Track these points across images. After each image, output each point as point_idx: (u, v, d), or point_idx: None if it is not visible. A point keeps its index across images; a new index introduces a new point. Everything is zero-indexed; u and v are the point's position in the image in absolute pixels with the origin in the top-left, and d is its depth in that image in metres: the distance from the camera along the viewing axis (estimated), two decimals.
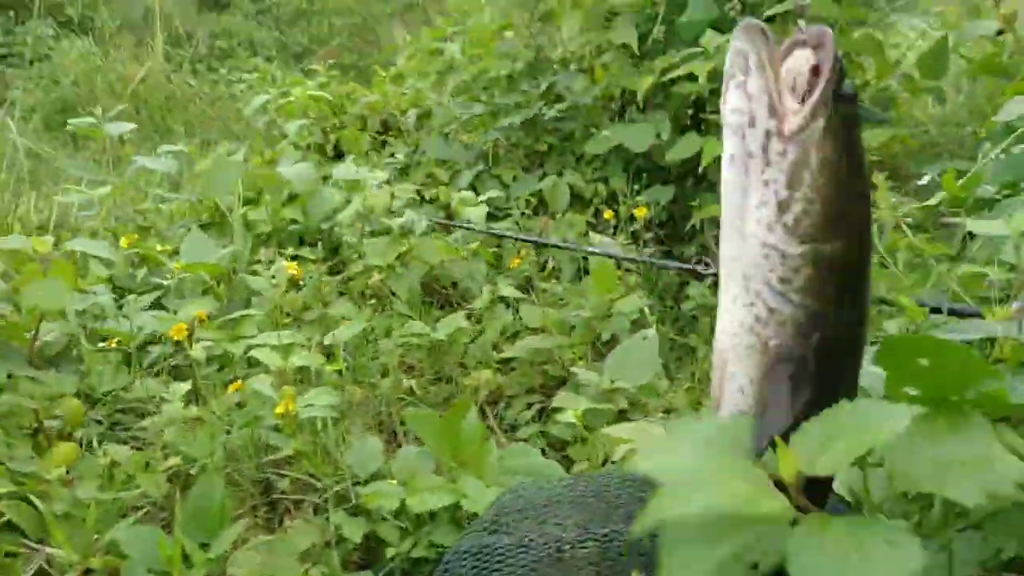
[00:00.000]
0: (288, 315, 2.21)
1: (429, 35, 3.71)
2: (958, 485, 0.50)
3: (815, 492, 0.56)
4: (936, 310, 1.21)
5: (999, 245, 1.31)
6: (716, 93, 2.72)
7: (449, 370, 2.13)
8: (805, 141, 0.68)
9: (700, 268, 1.46)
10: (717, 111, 2.83)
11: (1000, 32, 2.47)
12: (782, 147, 0.69)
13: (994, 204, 1.61)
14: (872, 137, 2.53)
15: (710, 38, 2.66)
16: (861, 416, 0.50)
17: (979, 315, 1.13)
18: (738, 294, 0.73)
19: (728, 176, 0.74)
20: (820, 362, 0.70)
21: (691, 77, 2.71)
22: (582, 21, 3.01)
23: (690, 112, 3.06)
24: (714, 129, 2.84)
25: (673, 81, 2.80)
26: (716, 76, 2.71)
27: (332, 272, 2.58)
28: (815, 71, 0.69)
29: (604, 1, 3.04)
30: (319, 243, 2.56)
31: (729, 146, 0.74)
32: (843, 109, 0.69)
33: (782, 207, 0.69)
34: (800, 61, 0.71)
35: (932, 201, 1.44)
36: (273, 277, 2.08)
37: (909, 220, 1.51)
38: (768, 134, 0.70)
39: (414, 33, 4.28)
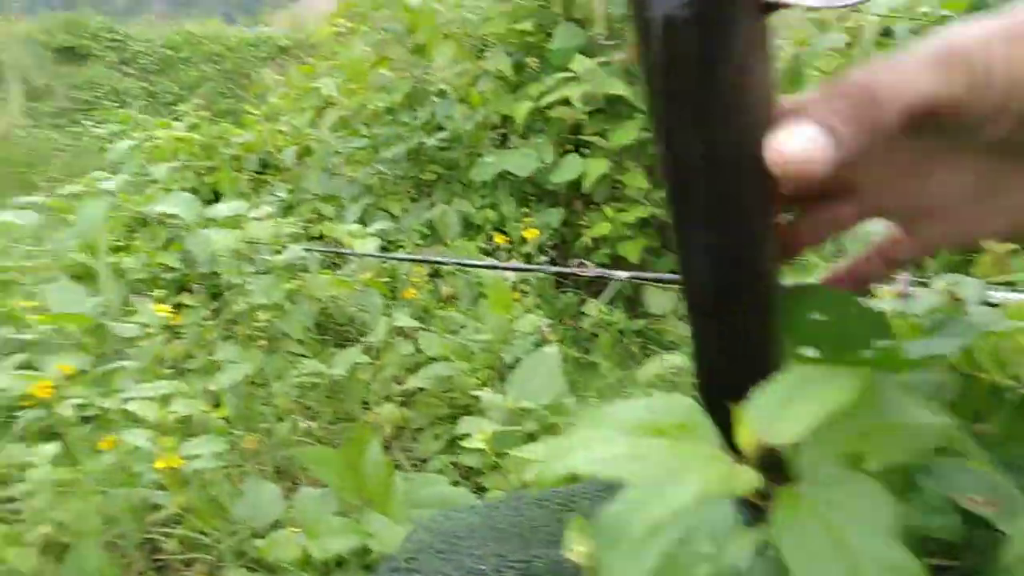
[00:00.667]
0: (169, 365, 2.07)
1: (301, 72, 3.64)
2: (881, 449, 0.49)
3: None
4: None
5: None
6: (591, 115, 2.78)
7: (350, 408, 2.05)
8: None
9: (579, 271, 1.46)
10: (596, 133, 2.88)
11: (849, 44, 2.65)
12: None
13: None
14: None
15: (580, 63, 2.73)
16: (813, 380, 0.48)
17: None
18: None
19: None
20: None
21: (566, 101, 2.77)
22: (455, 52, 3.03)
23: (570, 135, 3.13)
24: (595, 151, 2.90)
25: (550, 106, 2.85)
26: (589, 99, 2.78)
27: (216, 316, 2.45)
28: None
29: (475, 32, 3.07)
30: (200, 287, 2.43)
31: None
32: None
33: None
34: None
35: None
36: (147, 326, 1.95)
37: None
38: None
39: (285, 75, 4.20)
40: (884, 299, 1.11)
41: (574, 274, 1.47)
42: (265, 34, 8.37)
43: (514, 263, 2.30)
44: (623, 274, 1.42)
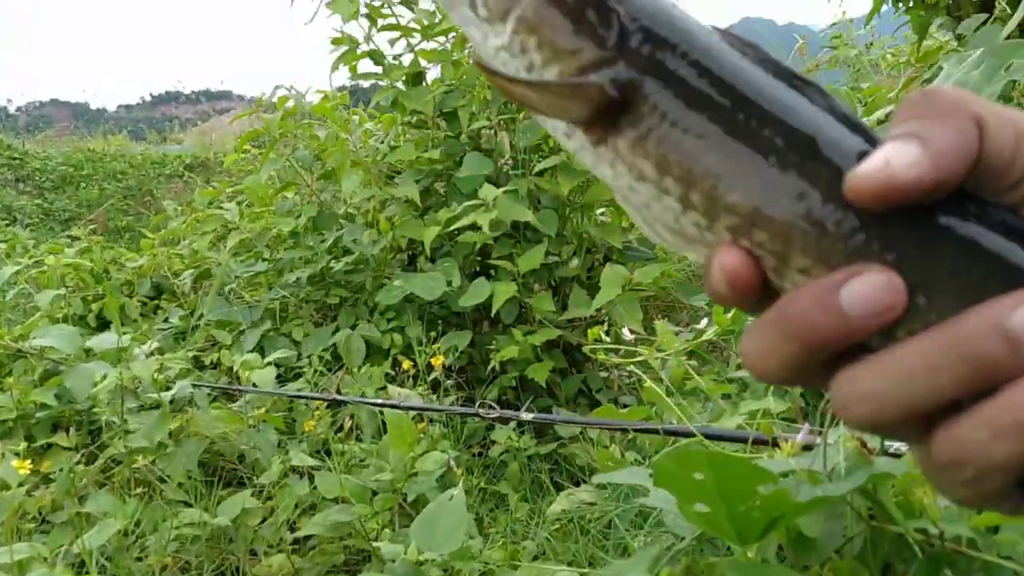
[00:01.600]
0: (33, 518, 1.86)
1: (204, 196, 3.56)
2: None
3: None
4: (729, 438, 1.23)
5: None
6: (499, 241, 2.80)
7: (236, 560, 1.87)
8: None
9: (483, 412, 1.40)
10: (503, 257, 2.88)
11: None
12: None
13: None
14: (643, 275, 2.70)
15: (487, 190, 2.77)
16: None
17: (767, 442, 1.15)
18: (552, 131, 0.55)
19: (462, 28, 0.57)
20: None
21: (474, 227, 2.79)
22: (363, 178, 3.04)
23: (477, 259, 3.14)
24: (503, 275, 2.91)
25: (458, 231, 2.86)
26: (497, 225, 2.81)
27: (90, 460, 2.25)
28: None
29: (384, 159, 3.10)
30: (76, 427, 2.24)
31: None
32: None
33: (472, 5, 0.55)
34: None
35: (708, 334, 1.51)
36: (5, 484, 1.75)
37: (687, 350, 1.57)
38: None
39: (189, 197, 4.11)
40: (790, 448, 1.08)
41: (477, 415, 1.41)
42: (172, 153, 8.28)
43: (418, 401, 2.22)
44: (528, 415, 1.37)
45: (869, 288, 0.39)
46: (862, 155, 0.42)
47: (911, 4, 2.47)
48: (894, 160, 0.37)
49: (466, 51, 3.07)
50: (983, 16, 2.15)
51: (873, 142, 0.43)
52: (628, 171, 0.51)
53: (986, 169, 0.37)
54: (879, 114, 1.57)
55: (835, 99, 0.45)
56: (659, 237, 0.55)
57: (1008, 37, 1.74)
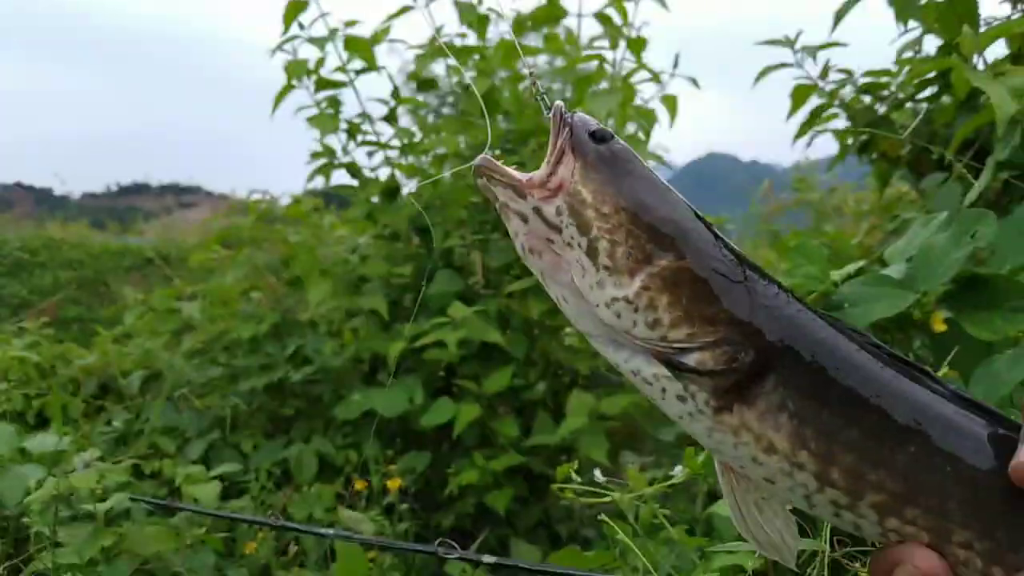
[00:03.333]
0: None
1: (163, 294, 3.47)
2: None
3: None
4: None
5: None
6: (466, 360, 2.74)
7: None
8: (569, 185, 0.61)
9: (441, 551, 1.31)
10: (468, 375, 2.81)
11: None
12: (553, 205, 0.61)
13: None
14: (610, 404, 2.67)
15: (457, 308, 2.75)
16: None
17: None
18: (654, 395, 0.57)
19: (554, 290, 0.62)
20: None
21: (441, 344, 2.75)
22: (331, 287, 3.00)
23: (442, 376, 3.08)
24: (467, 395, 2.85)
25: (424, 348, 2.82)
26: (465, 344, 2.77)
27: (14, 573, 2.07)
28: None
29: (353, 270, 3.07)
30: (2, 535, 2.07)
31: (534, 265, 0.63)
32: (599, 143, 0.62)
33: (592, 254, 0.58)
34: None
35: (679, 478, 1.46)
36: None
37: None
38: (537, 209, 0.61)
39: (147, 291, 4.01)
40: None
41: (435, 554, 1.32)
42: (133, 245, 8.17)
43: (369, 527, 2.11)
44: (490, 558, 1.29)
45: None
46: (992, 435, 0.50)
47: (874, 156, 2.59)
48: None
49: (445, 172, 3.12)
50: (943, 174, 2.25)
51: (986, 412, 0.52)
52: (755, 442, 0.52)
53: None
54: (850, 268, 1.60)
55: (941, 380, 0.54)
56: (753, 527, 0.55)
57: (971, 204, 1.82)
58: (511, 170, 0.63)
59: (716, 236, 0.59)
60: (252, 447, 2.86)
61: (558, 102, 0.66)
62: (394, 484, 2.43)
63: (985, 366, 1.37)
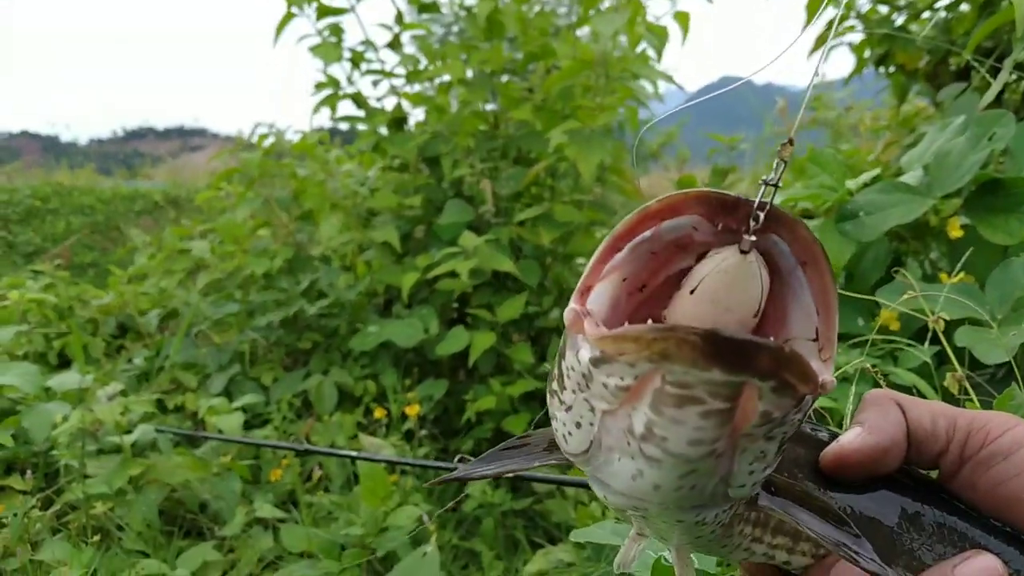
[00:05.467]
0: None
1: (174, 233, 3.48)
2: None
3: None
4: None
5: None
6: (479, 289, 2.74)
7: None
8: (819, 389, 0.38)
9: (461, 466, 1.34)
10: (482, 305, 2.82)
11: None
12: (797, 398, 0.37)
13: None
14: None
15: (467, 238, 2.74)
16: None
17: None
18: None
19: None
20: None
21: (453, 274, 2.75)
22: (342, 221, 3.00)
23: (455, 306, 3.09)
24: (481, 324, 2.86)
25: (437, 278, 2.82)
26: (477, 273, 2.77)
27: (46, 505, 2.13)
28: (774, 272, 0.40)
29: (363, 203, 3.06)
30: (32, 469, 2.12)
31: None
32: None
33: (779, 448, 0.41)
34: (744, 268, 0.38)
35: None
36: None
37: None
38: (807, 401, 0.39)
39: (157, 233, 4.02)
40: None
41: (452, 471, 1.35)
42: (142, 188, 8.16)
43: (390, 452, 2.15)
44: (507, 469, 1.31)
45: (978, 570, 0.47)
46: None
47: (892, 69, 2.53)
48: (843, 439, 0.52)
49: (451, 96, 3.07)
50: (962, 85, 2.20)
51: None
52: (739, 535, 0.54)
53: (914, 440, 0.51)
54: (865, 177, 1.57)
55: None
56: None
57: (987, 107, 1.77)
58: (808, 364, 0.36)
59: None
60: (272, 380, 2.91)
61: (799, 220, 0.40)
62: (412, 411, 2.47)
63: (1001, 269, 1.36)
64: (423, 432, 2.64)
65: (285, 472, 2.27)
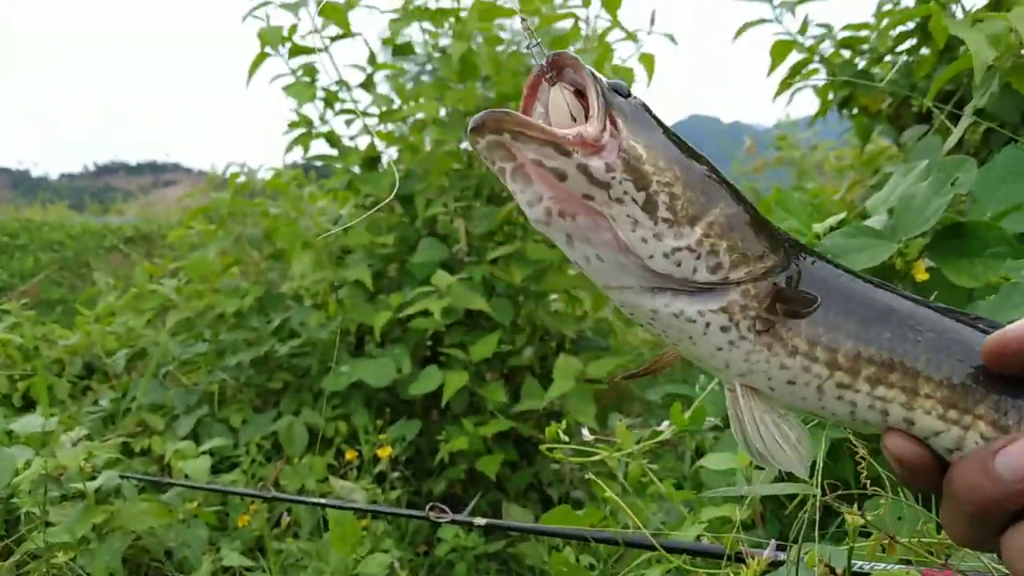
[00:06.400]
0: None
1: (144, 272, 3.43)
2: None
3: None
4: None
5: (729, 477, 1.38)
6: (452, 328, 2.73)
7: None
8: (620, 141, 0.60)
9: (433, 515, 1.32)
10: (455, 343, 2.80)
11: None
12: (603, 161, 0.59)
13: (719, 433, 1.69)
14: (597, 368, 2.67)
15: (441, 277, 2.74)
16: None
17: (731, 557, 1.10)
18: (695, 332, 0.62)
19: (585, 251, 0.61)
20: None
21: (426, 313, 2.74)
22: (314, 259, 2.98)
23: (429, 344, 3.08)
24: (454, 363, 2.85)
25: (409, 317, 2.81)
26: (450, 312, 2.76)
27: (6, 555, 2.06)
28: (578, 93, 0.63)
29: (336, 241, 3.05)
30: None
31: (562, 228, 0.61)
32: (629, 99, 0.63)
33: (648, 208, 0.59)
34: (558, 96, 0.64)
35: (666, 434, 1.47)
36: None
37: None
38: (582, 166, 0.59)
39: (129, 270, 3.97)
40: (756, 566, 1.04)
41: (427, 518, 1.33)
42: (114, 224, 8.08)
43: (361, 496, 2.11)
44: (481, 520, 1.30)
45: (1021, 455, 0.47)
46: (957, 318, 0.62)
47: (855, 111, 2.59)
48: (1010, 326, 0.48)
49: (425, 135, 3.08)
50: (924, 127, 2.25)
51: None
52: (783, 350, 0.61)
53: None
54: (831, 220, 1.60)
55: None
56: (770, 443, 0.63)
57: (949, 151, 1.82)
58: (546, 125, 0.60)
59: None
60: (241, 421, 2.86)
61: (569, 52, 0.65)
62: (384, 453, 2.44)
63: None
64: (395, 474, 2.61)
65: (253, 518, 2.22)
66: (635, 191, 0.60)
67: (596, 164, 0.59)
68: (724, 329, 0.61)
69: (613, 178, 0.59)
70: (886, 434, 0.60)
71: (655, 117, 0.65)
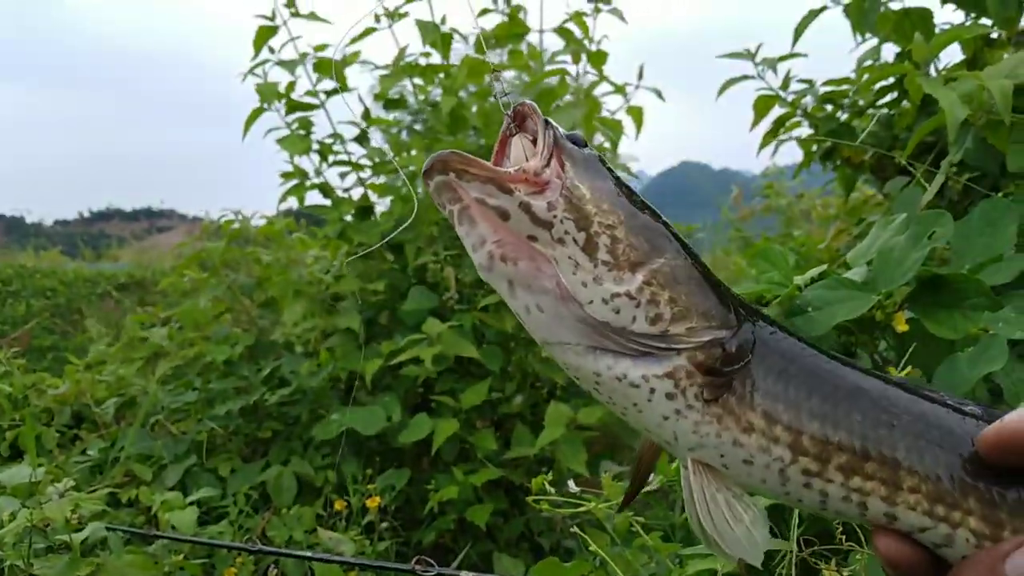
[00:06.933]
0: None
1: (134, 320, 3.44)
2: None
3: None
4: None
5: None
6: (443, 375, 2.73)
7: None
8: (565, 180, 0.60)
9: (419, 568, 1.32)
10: (445, 390, 2.80)
11: None
12: (545, 200, 0.59)
13: None
14: (587, 415, 2.68)
15: (431, 324, 2.75)
16: None
17: None
18: (640, 398, 0.58)
19: (526, 300, 0.60)
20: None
21: (417, 360, 2.75)
22: (305, 307, 3.00)
23: (420, 392, 3.07)
24: (445, 411, 2.85)
25: (400, 364, 2.81)
26: (440, 359, 2.77)
27: None
28: (534, 141, 0.63)
29: (327, 289, 3.07)
30: None
31: (504, 273, 0.60)
32: (581, 147, 0.64)
33: (589, 249, 0.58)
34: (518, 146, 0.64)
35: (653, 484, 1.48)
36: None
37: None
38: (525, 204, 0.59)
39: (121, 317, 3.97)
40: None
41: (413, 571, 1.32)
42: (107, 271, 8.09)
43: (349, 547, 2.10)
44: (468, 574, 1.30)
45: None
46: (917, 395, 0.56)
47: (838, 162, 2.64)
48: (1008, 416, 0.44)
49: (418, 187, 3.12)
50: (906, 178, 2.30)
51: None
52: (735, 425, 0.57)
53: None
54: (812, 272, 1.63)
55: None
56: (720, 525, 0.58)
57: (928, 204, 1.86)
58: (488, 163, 0.61)
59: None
60: (230, 471, 2.84)
61: (530, 102, 0.66)
62: (373, 503, 2.42)
63: (947, 364, 1.40)
64: (384, 525, 2.58)
65: (240, 570, 2.19)
66: (575, 231, 0.59)
67: (538, 203, 0.59)
68: (670, 396, 0.57)
69: (555, 216, 0.59)
70: (876, 535, 0.55)
71: (608, 169, 0.64)
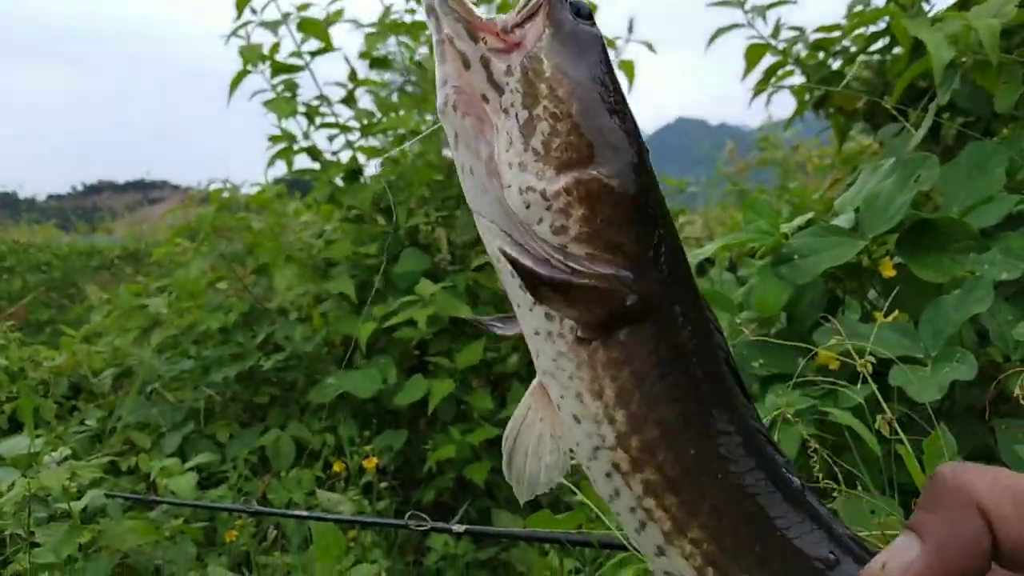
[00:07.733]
0: None
1: (128, 291, 3.44)
2: None
3: None
4: None
5: None
6: (437, 336, 2.73)
7: None
8: (532, 47, 0.54)
9: (412, 524, 1.33)
10: (441, 352, 2.81)
11: None
12: (506, 62, 0.55)
13: None
14: None
15: (424, 286, 2.75)
16: None
17: None
18: (524, 302, 0.54)
19: (463, 158, 0.57)
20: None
21: (411, 322, 2.75)
22: (297, 273, 2.99)
23: (415, 354, 3.08)
24: (440, 371, 2.86)
25: (394, 327, 2.82)
26: (435, 320, 2.77)
27: None
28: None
29: (319, 254, 3.06)
30: None
31: (453, 123, 0.57)
32: (578, 18, 0.56)
33: (527, 131, 0.52)
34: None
35: None
36: None
37: None
38: (485, 59, 0.55)
39: (114, 288, 3.97)
40: None
41: (407, 527, 1.33)
42: (100, 244, 8.06)
43: (347, 508, 2.12)
44: (459, 527, 1.31)
45: None
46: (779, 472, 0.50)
47: (831, 111, 2.61)
48: (890, 557, 0.34)
49: (408, 147, 3.10)
50: (898, 125, 2.28)
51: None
52: (589, 381, 0.51)
53: (1009, 559, 0.32)
54: (799, 220, 1.62)
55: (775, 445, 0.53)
56: (519, 452, 0.57)
57: (919, 147, 1.84)
58: (474, 7, 0.57)
59: (653, 174, 0.55)
60: (228, 437, 2.86)
61: None
62: (370, 464, 2.44)
63: (932, 307, 1.40)
64: (383, 484, 2.61)
65: (240, 533, 2.22)
66: (520, 106, 0.54)
67: (498, 63, 0.55)
68: (548, 316, 0.53)
69: (507, 84, 0.54)
70: None
71: (602, 55, 0.56)
